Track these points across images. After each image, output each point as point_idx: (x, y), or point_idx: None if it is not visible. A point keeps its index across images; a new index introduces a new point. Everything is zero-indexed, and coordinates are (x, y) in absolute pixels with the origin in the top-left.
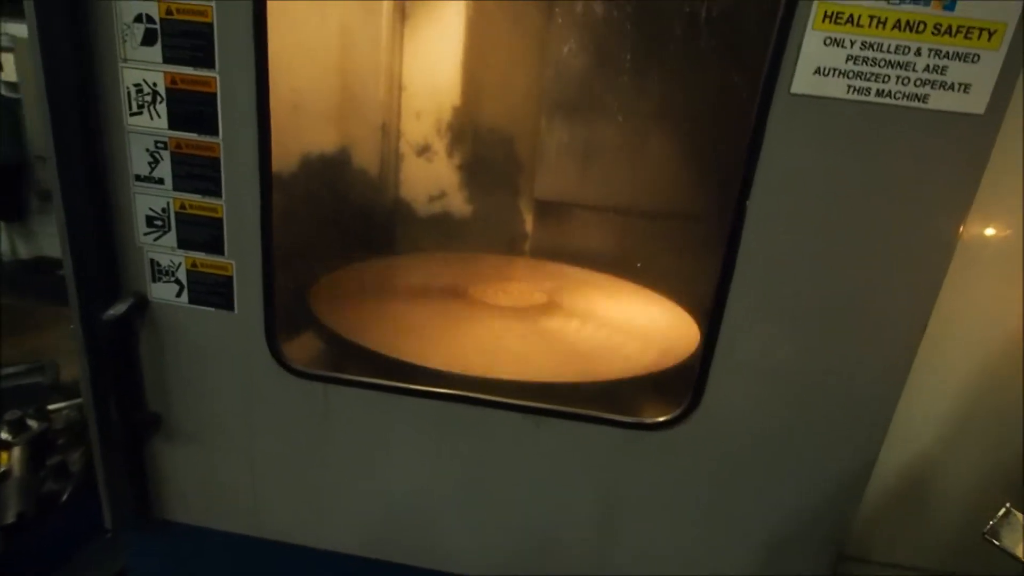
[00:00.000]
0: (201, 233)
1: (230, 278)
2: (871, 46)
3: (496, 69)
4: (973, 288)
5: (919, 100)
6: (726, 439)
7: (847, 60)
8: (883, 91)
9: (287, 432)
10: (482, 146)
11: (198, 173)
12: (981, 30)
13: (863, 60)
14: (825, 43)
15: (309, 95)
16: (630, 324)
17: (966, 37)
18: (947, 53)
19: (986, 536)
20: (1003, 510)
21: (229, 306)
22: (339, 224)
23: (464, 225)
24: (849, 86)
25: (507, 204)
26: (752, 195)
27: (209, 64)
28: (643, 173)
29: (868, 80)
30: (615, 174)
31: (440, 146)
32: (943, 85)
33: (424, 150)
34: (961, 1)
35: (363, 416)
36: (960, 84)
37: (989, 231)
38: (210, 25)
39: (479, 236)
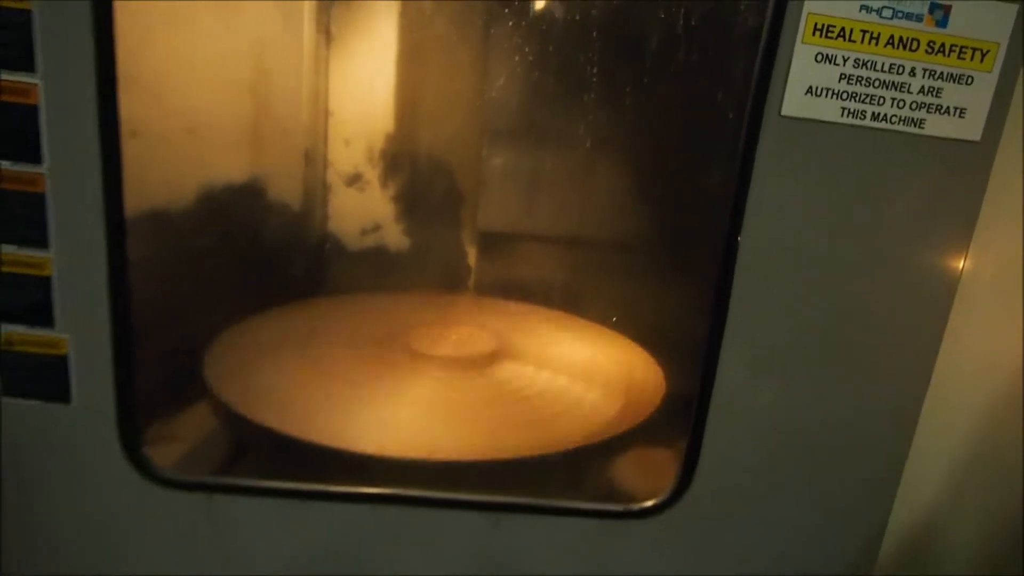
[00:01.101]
0: (19, 298)
1: (63, 358)
2: (865, 64)
3: (433, 94)
4: (969, 328)
5: (916, 125)
6: (725, 521)
7: (840, 79)
8: (878, 115)
9: (159, 561)
10: (419, 176)
11: (14, 215)
12: (974, 50)
13: (857, 79)
14: (817, 59)
15: (211, 117)
16: (586, 367)
17: (959, 57)
18: (942, 74)
19: None
20: None
21: (63, 397)
22: (252, 265)
23: (401, 260)
24: (843, 108)
25: (448, 237)
26: (744, 230)
27: (27, 66)
28: (591, 201)
29: (863, 102)
30: (562, 203)
31: (373, 175)
32: (939, 109)
33: (355, 180)
34: (954, 17)
35: (265, 532)
36: (956, 108)
37: (981, 266)
38: (26, 13)
39: (418, 272)
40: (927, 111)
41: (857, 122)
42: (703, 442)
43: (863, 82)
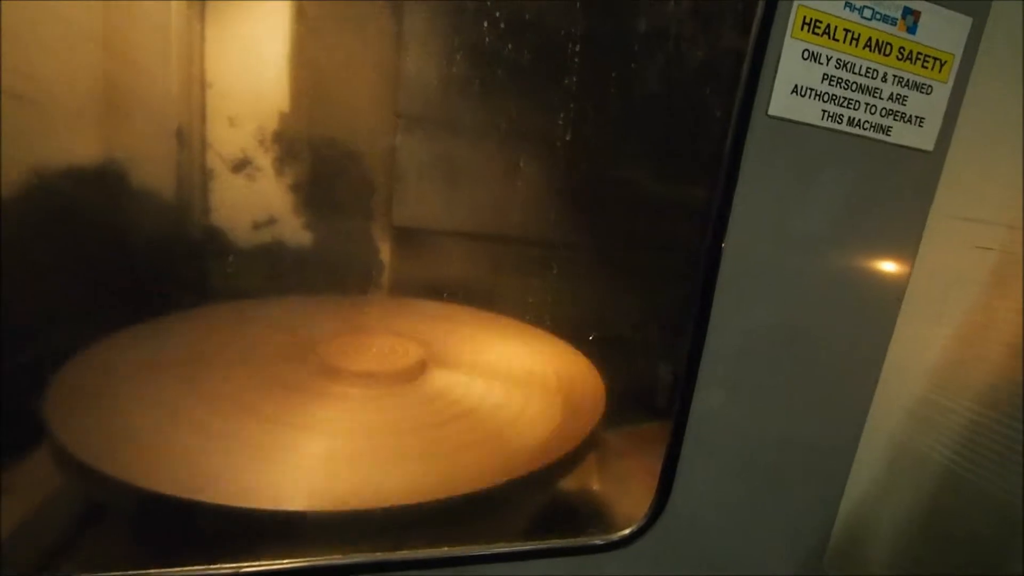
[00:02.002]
0: None
1: None
2: (845, 65)
3: (337, 68)
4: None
5: (883, 132)
6: (699, 540)
7: (823, 79)
8: (853, 119)
9: None
10: (321, 163)
11: None
12: (935, 59)
13: (837, 81)
14: (803, 56)
15: (48, 83)
16: (519, 371)
17: (923, 66)
18: (908, 81)
19: None
20: None
21: None
22: (112, 269)
23: (302, 258)
24: (824, 111)
25: (357, 232)
26: (728, 237)
27: None
28: (516, 196)
29: (841, 106)
30: (485, 198)
31: (265, 161)
32: (903, 117)
33: (243, 165)
34: (921, 24)
35: None
36: (916, 117)
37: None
38: None
39: (323, 272)
40: (894, 118)
41: (834, 126)
42: (678, 465)
43: (842, 85)
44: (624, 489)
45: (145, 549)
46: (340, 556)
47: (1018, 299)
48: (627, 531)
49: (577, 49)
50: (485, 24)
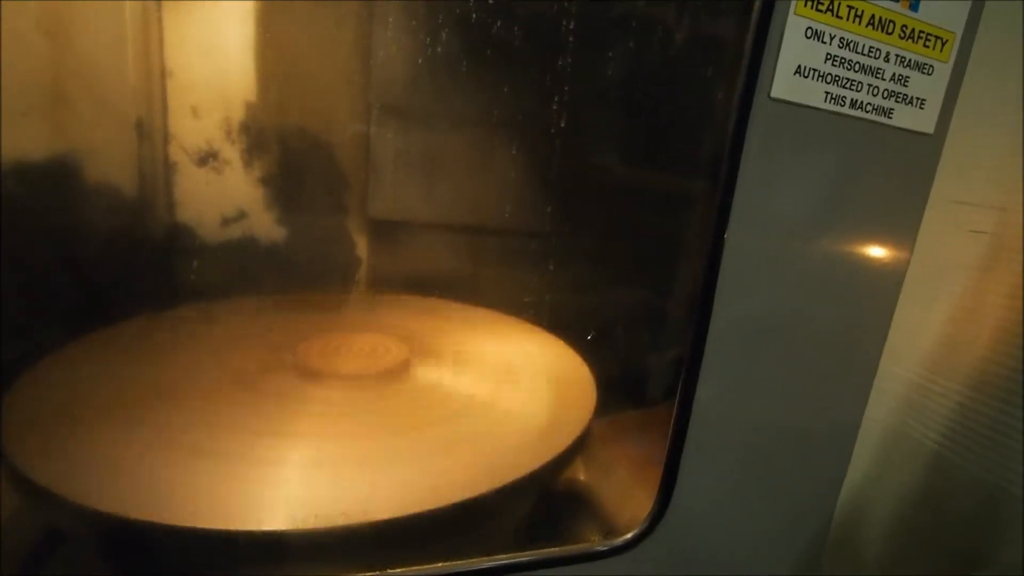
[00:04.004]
0: None
1: None
2: (848, 45)
3: (306, 55)
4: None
5: (885, 115)
6: (703, 540)
7: (826, 59)
8: (856, 102)
9: None
10: (292, 155)
11: None
12: (936, 38)
13: (840, 61)
14: (807, 34)
15: None
16: (507, 366)
17: (925, 45)
18: (910, 62)
19: None
20: None
21: None
22: (68, 270)
23: (274, 255)
24: (827, 93)
25: (332, 226)
26: (730, 227)
27: None
28: (496, 186)
29: (844, 87)
30: (464, 189)
31: (232, 153)
32: (905, 99)
33: (208, 158)
34: (924, 1)
35: None
36: (918, 99)
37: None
38: None
39: (298, 268)
40: (895, 100)
41: (837, 108)
42: (680, 463)
43: (845, 65)
44: (609, 479)
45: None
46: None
47: (1009, 283)
48: (630, 534)
49: (564, 29)
50: (467, 4)
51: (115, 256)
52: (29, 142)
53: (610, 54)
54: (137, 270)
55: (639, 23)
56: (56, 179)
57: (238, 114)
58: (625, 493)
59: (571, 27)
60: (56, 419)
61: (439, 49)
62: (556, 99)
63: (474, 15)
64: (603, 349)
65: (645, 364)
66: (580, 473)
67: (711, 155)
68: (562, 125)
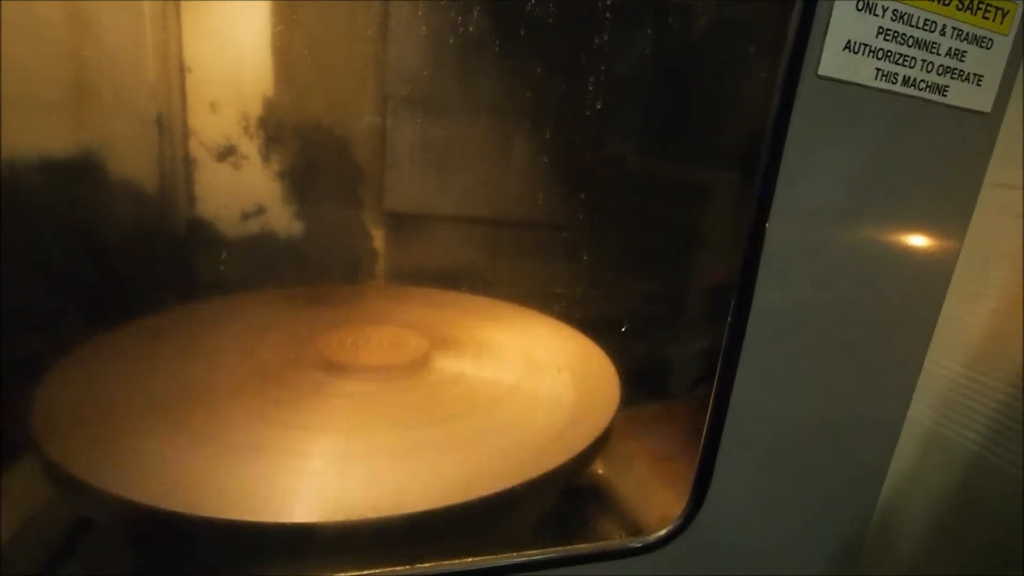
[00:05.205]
0: None
1: None
2: (901, 17)
3: (322, 49)
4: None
5: (940, 92)
6: (736, 540)
7: (877, 34)
8: (909, 79)
9: None
10: (309, 148)
11: None
12: (996, 9)
13: (893, 35)
14: (857, 7)
15: (16, 72)
16: (528, 358)
17: (984, 16)
18: (968, 35)
19: None
20: None
21: None
22: (94, 267)
23: (293, 248)
24: (877, 70)
25: (349, 219)
26: (772, 218)
27: None
28: (512, 178)
29: (896, 63)
30: (481, 180)
31: (250, 148)
32: (961, 75)
33: (227, 153)
34: None
35: None
36: (975, 75)
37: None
38: None
39: (315, 262)
40: (951, 76)
41: (888, 86)
42: (716, 458)
43: (898, 39)
44: (629, 473)
45: (143, 566)
46: (355, 571)
47: None
48: (664, 531)
49: (585, 15)
50: None
51: (138, 250)
52: (53, 137)
53: (635, 39)
54: (159, 264)
55: (666, 6)
56: (80, 174)
57: (256, 109)
58: (644, 487)
59: (592, 12)
60: (85, 411)
61: (455, 40)
62: (575, 88)
63: (494, 1)
64: (623, 341)
65: (666, 357)
66: (599, 467)
67: (748, 139)
68: (582, 114)
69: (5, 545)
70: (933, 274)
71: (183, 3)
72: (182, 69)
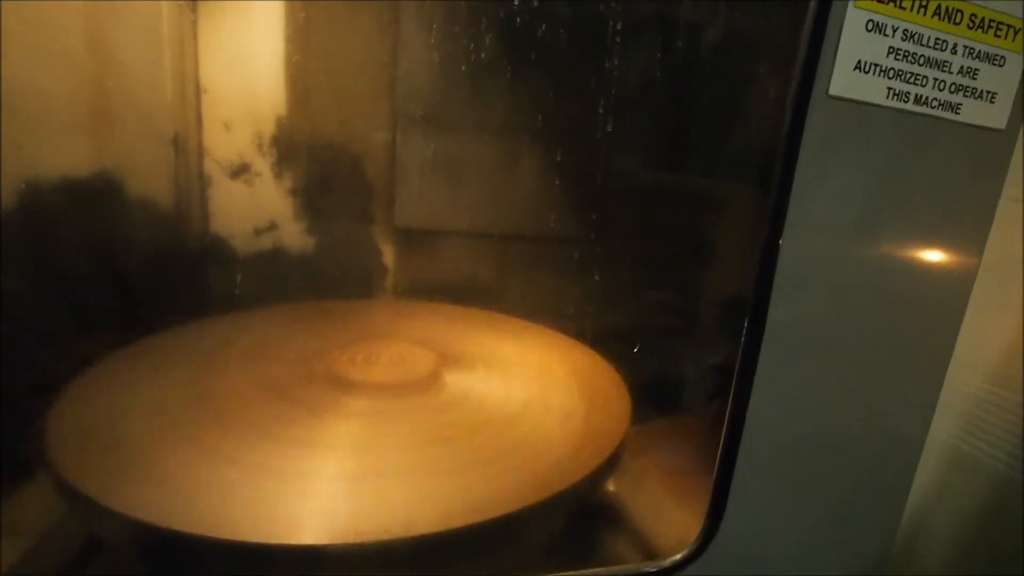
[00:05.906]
0: None
1: None
2: (912, 37)
3: (334, 68)
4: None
5: (952, 110)
6: (755, 562)
7: (888, 53)
8: (921, 97)
9: None
10: (321, 166)
11: None
12: (1008, 27)
13: (904, 55)
14: (867, 27)
15: (36, 93)
16: (538, 374)
17: (996, 34)
18: (980, 53)
19: None
20: None
21: None
22: (109, 283)
23: (304, 264)
24: (889, 89)
25: (359, 235)
26: (786, 234)
27: None
28: (521, 193)
29: (908, 82)
30: (491, 196)
31: (263, 166)
32: (974, 92)
33: (241, 171)
34: None
35: None
36: (988, 92)
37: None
38: None
39: (326, 277)
40: (963, 94)
41: (900, 105)
42: (732, 482)
43: (909, 58)
44: (641, 490)
45: None
46: None
47: None
48: (678, 556)
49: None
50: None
51: (154, 268)
52: (74, 159)
53: (644, 55)
54: (174, 281)
55: (674, 23)
56: (99, 194)
57: (269, 127)
58: (658, 505)
59: (601, 30)
60: (98, 430)
61: (465, 57)
62: (586, 104)
63: (502, 19)
64: (633, 357)
65: (676, 373)
66: (610, 483)
67: (761, 154)
68: (592, 130)
69: (17, 564)
70: (952, 289)
71: (199, 25)
72: (198, 90)
